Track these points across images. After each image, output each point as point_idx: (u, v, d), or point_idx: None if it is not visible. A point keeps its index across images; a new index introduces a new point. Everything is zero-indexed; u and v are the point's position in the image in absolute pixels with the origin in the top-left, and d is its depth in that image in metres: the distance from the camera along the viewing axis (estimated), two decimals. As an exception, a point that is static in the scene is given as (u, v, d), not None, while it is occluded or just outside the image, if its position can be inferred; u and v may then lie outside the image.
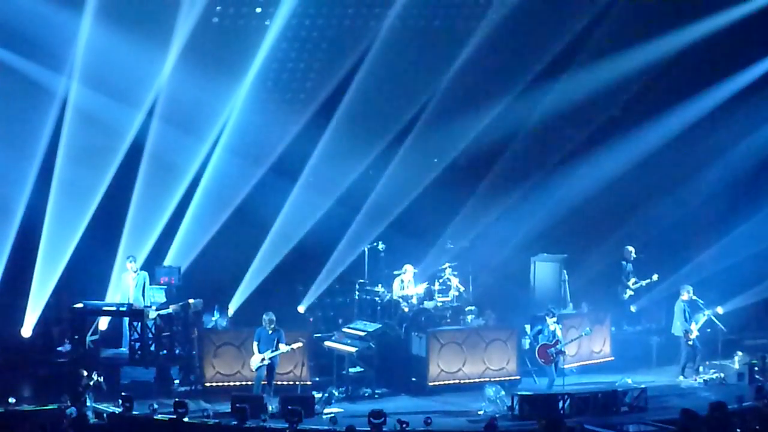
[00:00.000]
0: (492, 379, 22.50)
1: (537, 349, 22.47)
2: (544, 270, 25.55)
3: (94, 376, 20.24)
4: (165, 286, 23.80)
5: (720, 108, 27.23)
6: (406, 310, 23.64)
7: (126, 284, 23.36)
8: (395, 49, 26.19)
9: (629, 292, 25.86)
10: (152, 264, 24.47)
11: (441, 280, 24.08)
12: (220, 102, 25.28)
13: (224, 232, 26.00)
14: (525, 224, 27.16)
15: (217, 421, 19.75)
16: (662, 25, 26.48)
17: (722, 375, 23.19)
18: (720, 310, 23.71)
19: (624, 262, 26.03)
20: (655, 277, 25.58)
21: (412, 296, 23.85)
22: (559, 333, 22.45)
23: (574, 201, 27.17)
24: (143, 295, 23.12)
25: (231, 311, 24.49)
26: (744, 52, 27.23)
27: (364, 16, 26.07)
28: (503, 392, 21.37)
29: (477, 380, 22.70)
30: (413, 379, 22.95)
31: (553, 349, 22.23)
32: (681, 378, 23.29)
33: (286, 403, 19.90)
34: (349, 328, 23.15)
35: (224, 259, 25.75)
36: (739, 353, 24.12)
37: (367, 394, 22.20)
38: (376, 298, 23.95)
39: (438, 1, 26.40)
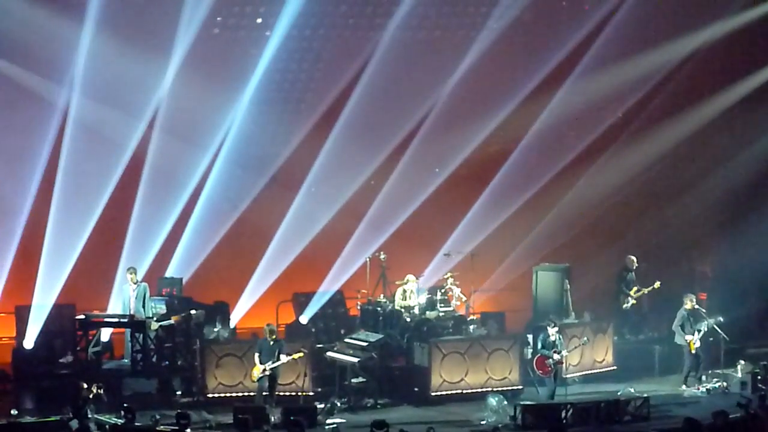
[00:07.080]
0: (494, 389, 22.43)
1: (535, 360, 22.36)
2: (546, 279, 25.47)
3: (94, 389, 20.19)
4: (166, 298, 23.77)
5: (721, 116, 27.25)
6: (408, 320, 23.62)
7: (127, 295, 23.32)
8: (397, 60, 26.22)
9: (632, 302, 25.80)
10: (154, 275, 24.45)
11: (443, 290, 24.04)
12: (221, 112, 25.28)
13: (226, 243, 25.98)
14: (527, 234, 27.14)
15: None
16: (664, 34, 26.51)
17: (725, 384, 23.14)
18: (722, 318, 23.66)
19: (626, 272, 25.96)
20: (657, 284, 25.48)
21: (414, 306, 23.82)
22: (560, 343, 22.35)
23: (575, 210, 27.16)
24: (144, 307, 23.04)
25: (233, 322, 24.46)
26: (745, 60, 27.27)
27: (365, 26, 26.10)
28: (506, 402, 21.31)
29: (479, 390, 22.62)
30: (415, 389, 22.89)
31: (551, 360, 22.07)
32: (684, 387, 23.23)
33: (288, 414, 19.89)
34: (351, 338, 23.11)
35: (226, 270, 25.71)
36: (742, 362, 24.11)
37: (369, 405, 22.14)
38: (378, 309, 23.92)
39: (439, 12, 26.41)
